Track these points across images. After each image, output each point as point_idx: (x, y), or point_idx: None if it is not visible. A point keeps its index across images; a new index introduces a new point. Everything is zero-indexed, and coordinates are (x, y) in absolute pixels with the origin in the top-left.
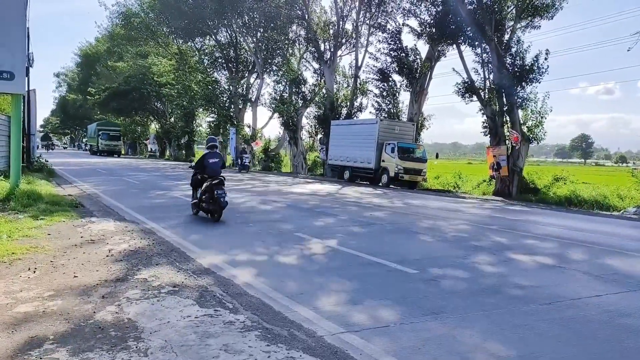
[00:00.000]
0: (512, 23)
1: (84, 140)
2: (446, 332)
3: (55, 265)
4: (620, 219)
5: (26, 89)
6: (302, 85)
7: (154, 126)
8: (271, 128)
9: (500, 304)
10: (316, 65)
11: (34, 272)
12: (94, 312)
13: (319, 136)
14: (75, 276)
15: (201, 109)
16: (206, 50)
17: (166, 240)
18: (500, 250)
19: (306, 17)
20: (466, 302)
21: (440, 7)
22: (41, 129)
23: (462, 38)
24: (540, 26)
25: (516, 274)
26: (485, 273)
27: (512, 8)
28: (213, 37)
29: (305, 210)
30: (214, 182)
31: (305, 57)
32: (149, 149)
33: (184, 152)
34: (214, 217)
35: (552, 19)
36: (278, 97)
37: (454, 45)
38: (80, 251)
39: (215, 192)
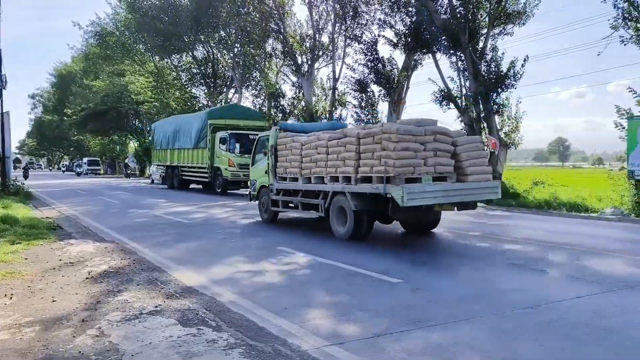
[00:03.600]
0: (485, 30)
1: (83, 160)
2: (432, 341)
3: (33, 290)
4: (599, 220)
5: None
6: (281, 99)
7: (132, 145)
8: None
9: (484, 310)
10: (294, 78)
11: (11, 298)
12: (74, 336)
13: None
14: (53, 300)
15: None
16: (183, 67)
17: (147, 259)
18: (483, 256)
19: (282, 31)
20: (451, 309)
21: (415, 18)
22: (17, 151)
23: (437, 47)
24: (513, 33)
25: (499, 279)
26: (469, 279)
27: (485, 16)
28: (190, 53)
29: (288, 223)
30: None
31: (282, 70)
32: (131, 168)
33: None
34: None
35: (524, 25)
36: (257, 111)
37: (430, 55)
38: (59, 274)
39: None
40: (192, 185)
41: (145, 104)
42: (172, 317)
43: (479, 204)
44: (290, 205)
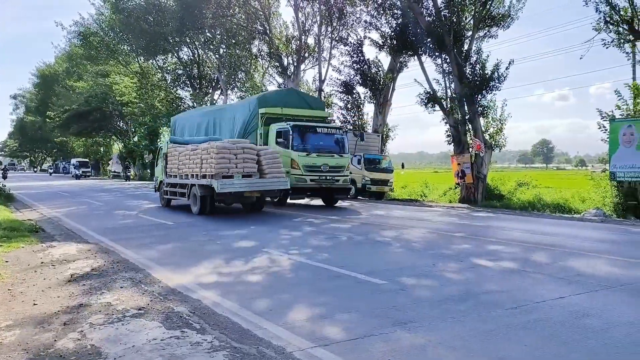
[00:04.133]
0: (470, 33)
1: (72, 162)
2: (416, 342)
3: (13, 293)
4: (582, 221)
5: None
6: None
7: (117, 146)
8: None
9: (468, 310)
10: (280, 80)
11: None
12: (55, 340)
13: None
14: (34, 304)
15: (165, 127)
16: (168, 68)
17: (131, 262)
18: (467, 257)
19: (268, 33)
20: (435, 310)
21: (400, 20)
22: None
23: (423, 49)
24: (497, 36)
25: (483, 280)
26: (453, 280)
27: (469, 19)
28: (175, 54)
29: (272, 224)
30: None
31: (268, 72)
32: (113, 170)
33: (148, 171)
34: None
35: (508, 28)
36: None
37: (415, 57)
38: (40, 277)
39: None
40: None
41: (130, 105)
42: (156, 319)
43: (467, 205)
44: (175, 194)
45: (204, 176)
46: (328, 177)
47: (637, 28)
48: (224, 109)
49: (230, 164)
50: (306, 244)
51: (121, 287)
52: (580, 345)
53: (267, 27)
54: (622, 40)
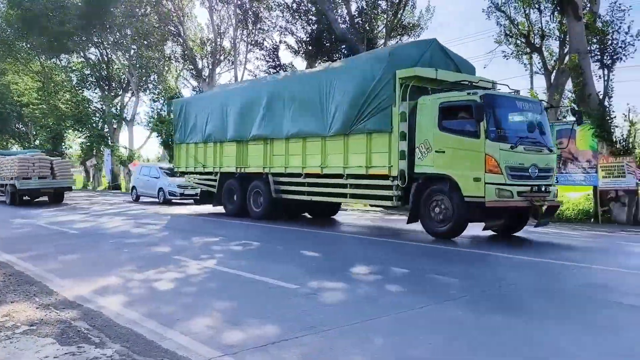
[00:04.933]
0: (383, 41)
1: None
2: (325, 345)
3: None
4: None
5: None
6: None
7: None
8: (151, 148)
9: (376, 312)
10: (195, 83)
11: None
12: None
13: None
14: None
15: (71, 130)
16: (73, 68)
17: (26, 274)
18: (379, 260)
19: (182, 34)
20: (344, 313)
21: (316, 26)
22: None
23: (337, 55)
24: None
25: (392, 281)
26: (363, 283)
27: (382, 27)
28: (81, 54)
29: (185, 231)
30: None
31: (182, 74)
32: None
33: None
34: None
35: (418, 37)
36: (155, 116)
37: (330, 62)
38: None
39: None
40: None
41: (31, 105)
42: (50, 335)
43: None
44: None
45: (12, 178)
46: (541, 188)
47: (532, 42)
48: (303, 77)
49: (29, 170)
50: (219, 250)
51: (12, 303)
52: (480, 340)
53: (181, 29)
54: (520, 52)
